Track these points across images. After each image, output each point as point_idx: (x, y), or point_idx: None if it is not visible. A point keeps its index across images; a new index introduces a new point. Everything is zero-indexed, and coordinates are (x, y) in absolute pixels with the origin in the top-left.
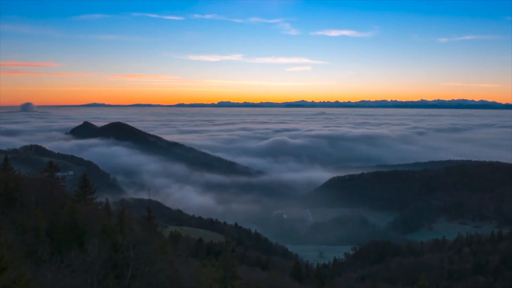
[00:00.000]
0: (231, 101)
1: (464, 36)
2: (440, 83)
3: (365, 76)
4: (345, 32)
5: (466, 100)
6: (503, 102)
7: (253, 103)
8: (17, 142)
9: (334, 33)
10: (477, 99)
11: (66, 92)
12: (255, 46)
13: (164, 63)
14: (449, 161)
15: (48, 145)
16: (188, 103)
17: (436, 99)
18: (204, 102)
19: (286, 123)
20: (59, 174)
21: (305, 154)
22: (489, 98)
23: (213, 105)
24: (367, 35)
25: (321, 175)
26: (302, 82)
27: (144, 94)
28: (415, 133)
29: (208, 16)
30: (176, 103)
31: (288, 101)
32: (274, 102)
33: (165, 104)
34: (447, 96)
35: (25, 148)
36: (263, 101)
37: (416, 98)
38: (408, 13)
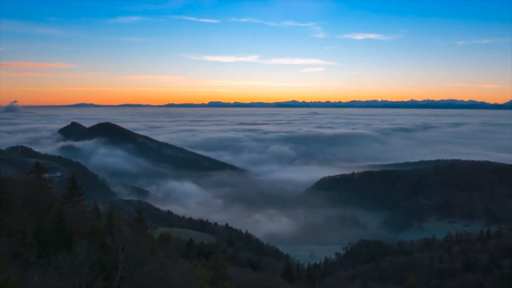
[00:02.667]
0: (222, 101)
1: (459, 41)
2: (430, 83)
3: (365, 76)
4: (371, 36)
5: (455, 100)
6: (492, 102)
7: (244, 103)
8: (3, 143)
9: (359, 36)
10: (466, 99)
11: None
12: (271, 47)
13: (193, 64)
14: (439, 160)
15: (35, 146)
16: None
17: (426, 99)
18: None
19: (267, 124)
20: (46, 175)
21: (287, 154)
22: (478, 99)
23: (203, 105)
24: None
25: (312, 174)
26: (295, 83)
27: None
28: (377, 133)
29: (244, 19)
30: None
31: (279, 101)
32: (264, 102)
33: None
34: (436, 96)
35: (11, 149)
36: (254, 101)
37: (406, 98)
38: (401, 14)
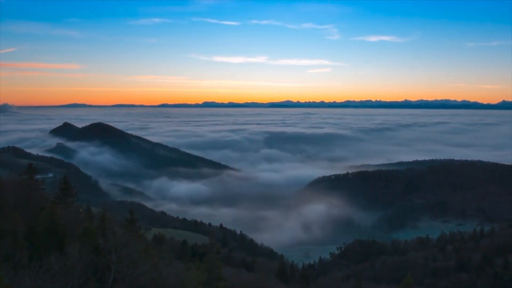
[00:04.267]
0: (216, 101)
1: (455, 42)
2: (423, 83)
3: (362, 77)
4: (385, 38)
5: (449, 100)
6: (485, 102)
7: (238, 103)
8: None
9: (373, 38)
10: (459, 99)
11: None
12: (281, 48)
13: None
14: (432, 160)
15: (26, 147)
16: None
17: (420, 99)
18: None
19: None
20: (39, 176)
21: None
22: (472, 99)
23: (197, 106)
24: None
25: (306, 173)
26: (289, 83)
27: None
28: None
29: (265, 22)
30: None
31: (273, 101)
32: (258, 102)
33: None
34: (430, 96)
35: (3, 150)
36: (248, 101)
37: (400, 98)
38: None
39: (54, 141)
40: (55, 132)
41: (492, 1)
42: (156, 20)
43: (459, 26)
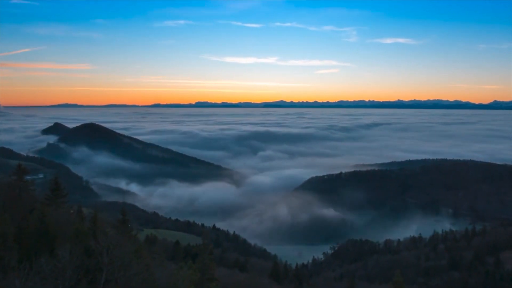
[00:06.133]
0: (209, 101)
1: (450, 42)
2: (416, 83)
3: (365, 77)
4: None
5: (441, 100)
6: (476, 102)
7: (231, 103)
8: None
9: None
10: (452, 99)
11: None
12: (292, 49)
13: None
14: (425, 160)
15: (16, 147)
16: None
17: (413, 99)
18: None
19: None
20: (28, 177)
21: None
22: (464, 99)
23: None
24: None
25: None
26: (283, 83)
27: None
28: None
29: (287, 24)
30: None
31: (267, 101)
32: (252, 102)
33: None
34: (423, 97)
35: None
36: (242, 101)
37: (393, 98)
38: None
39: (44, 141)
40: (46, 132)
41: (481, 2)
42: (181, 22)
43: (451, 27)
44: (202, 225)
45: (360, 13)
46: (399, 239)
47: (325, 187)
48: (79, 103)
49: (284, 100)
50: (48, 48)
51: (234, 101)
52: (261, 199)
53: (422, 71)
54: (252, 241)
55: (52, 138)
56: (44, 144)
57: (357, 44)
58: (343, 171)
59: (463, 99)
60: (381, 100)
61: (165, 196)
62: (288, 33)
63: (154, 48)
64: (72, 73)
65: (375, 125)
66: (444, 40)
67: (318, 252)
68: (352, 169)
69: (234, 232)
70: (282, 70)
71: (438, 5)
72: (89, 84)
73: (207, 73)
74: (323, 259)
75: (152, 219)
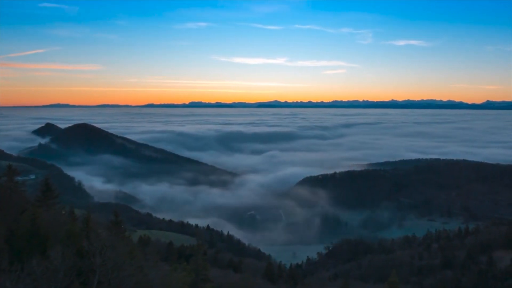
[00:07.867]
0: (203, 101)
1: (444, 42)
2: (410, 84)
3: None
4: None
5: (435, 100)
6: (470, 102)
7: (225, 103)
8: None
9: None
10: (445, 99)
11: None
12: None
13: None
14: (418, 159)
15: (6, 148)
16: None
17: (406, 99)
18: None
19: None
20: (19, 178)
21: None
22: (457, 99)
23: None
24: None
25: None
26: (284, 84)
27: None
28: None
29: (307, 26)
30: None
31: (262, 101)
32: (247, 102)
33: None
34: (417, 97)
35: None
36: (235, 101)
37: (387, 98)
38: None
39: (36, 142)
40: (38, 132)
41: (476, 3)
42: (202, 24)
43: (445, 28)
44: (196, 225)
45: (374, 16)
46: (392, 239)
47: (319, 186)
48: (71, 103)
49: (278, 100)
50: (50, 50)
51: (229, 101)
52: (255, 199)
53: (416, 71)
54: (246, 242)
55: (44, 139)
56: (36, 145)
57: (372, 46)
58: (337, 171)
59: (457, 99)
60: (375, 100)
61: (159, 197)
62: (304, 35)
63: (167, 50)
64: (72, 73)
65: (352, 125)
66: (439, 41)
67: (312, 252)
68: (347, 169)
69: (228, 232)
70: (288, 71)
71: (429, 7)
72: (89, 84)
73: (208, 73)
74: (317, 259)
75: (146, 220)
